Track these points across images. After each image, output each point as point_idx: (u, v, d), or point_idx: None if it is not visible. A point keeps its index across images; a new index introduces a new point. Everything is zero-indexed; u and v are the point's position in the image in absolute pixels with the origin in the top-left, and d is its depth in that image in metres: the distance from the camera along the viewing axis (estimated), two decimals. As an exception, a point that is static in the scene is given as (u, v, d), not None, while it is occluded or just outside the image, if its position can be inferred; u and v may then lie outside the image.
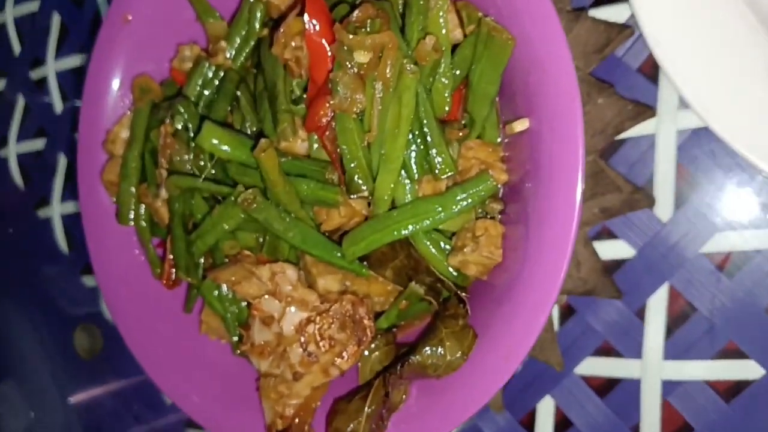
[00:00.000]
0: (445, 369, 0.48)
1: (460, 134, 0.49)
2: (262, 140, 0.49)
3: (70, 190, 0.87)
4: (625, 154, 0.57)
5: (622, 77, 0.56)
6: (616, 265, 0.57)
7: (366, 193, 0.49)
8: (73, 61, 0.86)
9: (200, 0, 0.60)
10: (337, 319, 0.51)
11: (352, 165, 0.48)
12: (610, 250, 0.57)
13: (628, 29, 0.55)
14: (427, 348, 0.48)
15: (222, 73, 0.58)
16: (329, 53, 0.48)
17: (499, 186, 0.50)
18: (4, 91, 0.93)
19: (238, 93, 0.56)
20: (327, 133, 0.48)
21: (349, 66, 0.46)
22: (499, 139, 0.51)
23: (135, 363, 0.61)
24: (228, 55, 0.58)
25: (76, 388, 0.91)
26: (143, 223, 0.61)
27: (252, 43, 0.57)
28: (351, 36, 0.45)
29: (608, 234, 0.57)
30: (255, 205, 0.50)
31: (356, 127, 0.47)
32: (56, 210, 0.88)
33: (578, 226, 0.44)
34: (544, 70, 0.45)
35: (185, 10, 0.62)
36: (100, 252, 0.64)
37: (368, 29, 0.46)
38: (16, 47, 0.92)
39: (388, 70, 0.46)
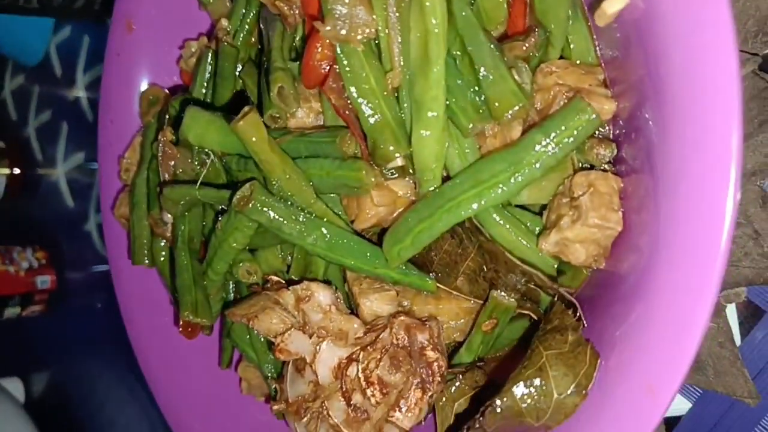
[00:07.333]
0: (554, 414, 0.30)
1: (526, 50, 0.32)
2: (245, 108, 0.35)
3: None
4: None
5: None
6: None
7: (400, 161, 0.33)
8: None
9: (198, -22, 0.49)
10: (386, 352, 0.35)
11: (372, 121, 0.33)
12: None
13: None
14: (521, 385, 0.30)
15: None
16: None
17: (604, 120, 0.32)
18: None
19: (239, 71, 0.43)
20: (331, 82, 0.33)
21: (343, -27, 0.31)
22: (594, 54, 0.33)
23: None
24: (231, 33, 0.45)
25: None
26: (162, 259, 0.49)
27: (253, 12, 0.44)
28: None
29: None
30: (253, 203, 0.36)
31: (369, 64, 0.32)
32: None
33: (740, 177, 0.25)
34: None
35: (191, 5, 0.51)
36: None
37: None
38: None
39: (398, -33, 0.31)
